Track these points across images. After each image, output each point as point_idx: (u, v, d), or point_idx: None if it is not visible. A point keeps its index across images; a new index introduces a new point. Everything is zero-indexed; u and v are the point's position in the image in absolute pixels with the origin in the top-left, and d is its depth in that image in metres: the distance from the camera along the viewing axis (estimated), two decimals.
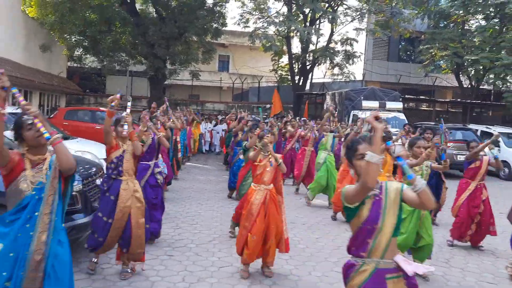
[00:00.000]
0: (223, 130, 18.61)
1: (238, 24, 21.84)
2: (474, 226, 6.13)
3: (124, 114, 4.53)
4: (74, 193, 4.64)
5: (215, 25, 19.68)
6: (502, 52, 18.71)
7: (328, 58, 20.81)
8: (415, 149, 5.15)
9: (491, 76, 19.97)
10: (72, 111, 14.56)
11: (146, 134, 5.76)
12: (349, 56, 21.74)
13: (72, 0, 17.18)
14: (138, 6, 19.81)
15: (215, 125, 18.39)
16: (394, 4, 21.83)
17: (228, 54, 33.59)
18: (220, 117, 19.40)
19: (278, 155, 4.88)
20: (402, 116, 14.76)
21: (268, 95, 28.39)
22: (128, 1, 18.16)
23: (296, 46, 23.15)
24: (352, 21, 21.52)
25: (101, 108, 16.10)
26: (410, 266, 2.41)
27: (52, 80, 18.62)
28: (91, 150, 7.99)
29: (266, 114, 21.48)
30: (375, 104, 15.03)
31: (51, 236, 2.70)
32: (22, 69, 15.90)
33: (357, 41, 21.79)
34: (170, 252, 5.34)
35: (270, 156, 4.84)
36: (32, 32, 17.87)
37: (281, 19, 20.16)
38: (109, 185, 4.43)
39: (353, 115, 15.05)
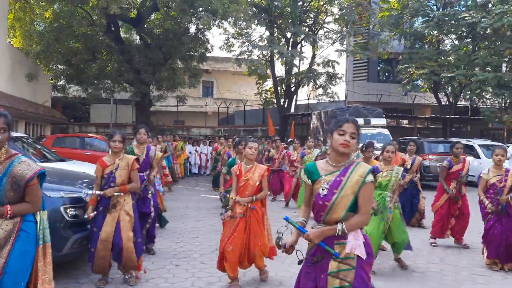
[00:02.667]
0: (210, 153, 18.87)
1: (223, 49, 22.33)
2: (453, 220, 6.53)
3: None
4: (83, 204, 4.74)
5: (200, 50, 20.09)
6: (476, 69, 19.54)
7: (312, 80, 21.38)
8: (384, 153, 5.43)
9: (468, 92, 20.72)
10: (60, 138, 14.57)
11: (140, 148, 5.89)
12: (332, 77, 22.39)
13: (57, 30, 17.43)
14: (122, 34, 20.16)
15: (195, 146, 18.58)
16: (372, 26, 22.71)
17: (212, 79, 34.08)
18: (208, 141, 19.58)
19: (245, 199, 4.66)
20: (386, 132, 15.20)
21: (254, 118, 28.84)
22: (113, 29, 18.48)
23: (280, 70, 23.73)
24: (332, 43, 22.25)
25: (89, 135, 16.19)
26: (354, 243, 2.56)
27: (37, 109, 18.64)
28: (87, 171, 8.08)
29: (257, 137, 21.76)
30: (360, 121, 15.44)
31: None
32: (8, 98, 15.94)
33: (338, 63, 22.49)
34: (175, 262, 5.44)
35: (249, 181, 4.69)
36: (17, 62, 17.98)
37: (265, 42, 20.72)
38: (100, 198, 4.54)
39: None
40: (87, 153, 13.14)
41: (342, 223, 2.56)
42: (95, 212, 4.45)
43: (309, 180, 2.71)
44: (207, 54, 21.34)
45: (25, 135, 10.74)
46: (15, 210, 2.83)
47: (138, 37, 20.12)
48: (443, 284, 4.93)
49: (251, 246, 4.58)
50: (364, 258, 2.58)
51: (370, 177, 2.61)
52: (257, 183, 4.68)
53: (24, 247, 2.85)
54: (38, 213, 2.98)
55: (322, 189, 2.63)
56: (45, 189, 4.31)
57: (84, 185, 5.13)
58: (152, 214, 5.71)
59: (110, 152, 4.79)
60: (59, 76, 19.87)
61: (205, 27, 18.42)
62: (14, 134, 3.56)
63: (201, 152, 18.63)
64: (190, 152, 18.05)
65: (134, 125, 22.48)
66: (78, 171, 6.49)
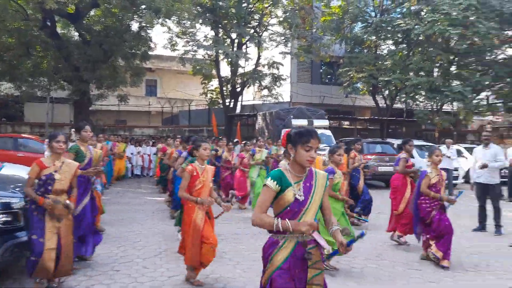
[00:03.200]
0: (154, 154, 18.49)
1: (167, 48, 21.95)
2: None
3: None
4: (16, 210, 4.49)
5: (143, 48, 19.60)
6: (410, 74, 20.63)
7: (257, 81, 21.57)
8: (336, 156, 5.62)
9: (403, 95, 21.83)
10: None
11: (85, 146, 5.72)
12: (276, 79, 22.72)
13: None
14: (59, 30, 19.22)
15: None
16: (314, 30, 23.31)
17: (156, 78, 33.40)
18: (151, 142, 19.16)
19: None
20: (328, 132, 15.68)
21: (199, 118, 28.61)
22: (49, 24, 17.55)
23: (225, 70, 23.71)
24: (277, 45, 22.57)
25: (23, 135, 15.29)
26: (322, 240, 2.71)
27: None
28: (20, 174, 7.64)
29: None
30: (304, 122, 15.82)
31: None
32: None
33: (282, 65, 22.87)
34: (117, 268, 5.28)
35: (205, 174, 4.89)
36: None
37: (210, 42, 20.62)
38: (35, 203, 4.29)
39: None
40: (20, 155, 12.43)
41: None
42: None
43: (278, 187, 2.69)
44: (151, 53, 20.88)
45: None
46: None
47: (76, 34, 19.28)
48: (379, 279, 5.17)
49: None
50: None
51: (328, 181, 2.86)
52: (211, 184, 4.88)
53: None
54: None
55: (299, 195, 2.68)
56: None
57: (17, 189, 4.85)
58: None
59: (48, 153, 4.57)
60: None
61: (148, 25, 18.01)
62: None
63: (144, 153, 18.21)
64: (132, 153, 17.58)
65: (72, 124, 21.54)
66: (10, 174, 6.11)
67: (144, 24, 18.39)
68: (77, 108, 19.55)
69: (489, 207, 7.95)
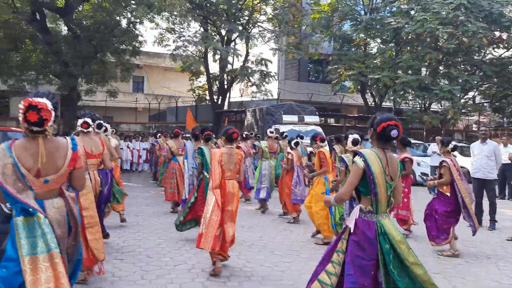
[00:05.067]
0: (143, 149, 18.45)
1: (157, 43, 21.82)
2: None
3: None
4: None
5: (134, 43, 19.43)
6: (399, 72, 20.88)
7: (246, 77, 21.58)
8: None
9: (392, 93, 22.07)
10: None
11: None
12: (265, 76, 22.74)
13: None
14: (48, 24, 18.93)
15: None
16: (304, 27, 23.42)
17: (143, 75, 33.10)
18: (140, 137, 19.08)
19: None
20: (319, 129, 15.69)
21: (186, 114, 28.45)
22: (38, 18, 17.29)
23: (213, 66, 23.66)
24: (266, 42, 22.62)
25: (12, 128, 15.01)
26: None
27: None
28: None
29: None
30: (294, 118, 15.92)
31: None
32: None
33: (271, 62, 22.90)
34: (120, 257, 5.29)
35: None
36: None
37: (199, 39, 20.56)
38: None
39: (275, 128, 15.73)
40: None
41: None
42: None
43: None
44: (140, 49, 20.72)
45: None
46: None
47: (65, 28, 19.02)
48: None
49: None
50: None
51: None
52: None
53: None
54: None
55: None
56: None
57: None
58: None
59: None
60: None
61: (138, 20, 17.88)
62: None
63: (133, 148, 18.13)
64: (121, 148, 17.46)
65: (60, 120, 21.23)
66: None
67: (133, 20, 18.25)
68: (65, 103, 19.27)
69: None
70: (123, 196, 6.76)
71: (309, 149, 9.59)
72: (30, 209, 2.54)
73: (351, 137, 5.79)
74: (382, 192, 2.92)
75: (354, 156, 3.03)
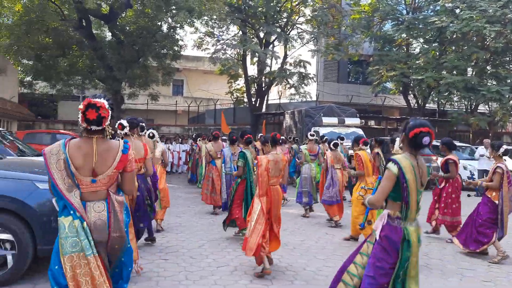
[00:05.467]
0: (183, 151, 18.77)
1: (197, 47, 22.17)
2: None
3: None
4: None
5: (175, 48, 19.85)
6: (443, 72, 20.19)
7: (284, 79, 21.53)
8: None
9: (436, 94, 21.36)
10: (30, 134, 14.13)
11: None
12: (304, 77, 22.59)
13: (27, 23, 16.81)
14: (94, 30, 19.65)
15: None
16: (344, 28, 23.09)
17: (182, 78, 33.75)
18: (180, 139, 19.43)
19: None
20: (360, 131, 15.47)
21: (225, 117, 28.73)
22: (84, 24, 17.98)
23: (253, 69, 23.75)
24: (306, 44, 22.48)
25: (61, 131, 15.70)
26: None
27: (5, 105, 17.91)
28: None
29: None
30: (334, 120, 15.71)
31: None
32: None
33: (309, 63, 22.73)
34: (164, 257, 5.38)
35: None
36: None
37: (237, 41, 20.71)
38: None
39: (314, 131, 15.59)
40: None
41: None
42: None
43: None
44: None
45: (1, 129, 10.27)
46: None
47: (109, 34, 19.67)
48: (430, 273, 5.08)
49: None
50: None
51: None
52: None
53: None
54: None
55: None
56: (37, 181, 4.18)
57: None
58: None
59: None
60: (30, 71, 19.17)
61: (179, 25, 18.22)
62: None
63: (173, 150, 18.45)
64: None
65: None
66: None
67: (174, 25, 18.63)
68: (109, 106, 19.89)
69: None
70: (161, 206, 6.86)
71: (350, 151, 9.48)
72: (71, 211, 2.63)
73: (398, 140, 5.63)
74: (414, 200, 2.89)
75: (387, 163, 2.95)
